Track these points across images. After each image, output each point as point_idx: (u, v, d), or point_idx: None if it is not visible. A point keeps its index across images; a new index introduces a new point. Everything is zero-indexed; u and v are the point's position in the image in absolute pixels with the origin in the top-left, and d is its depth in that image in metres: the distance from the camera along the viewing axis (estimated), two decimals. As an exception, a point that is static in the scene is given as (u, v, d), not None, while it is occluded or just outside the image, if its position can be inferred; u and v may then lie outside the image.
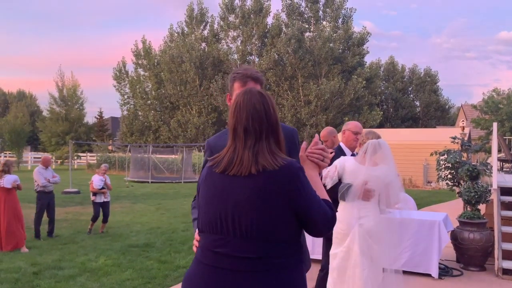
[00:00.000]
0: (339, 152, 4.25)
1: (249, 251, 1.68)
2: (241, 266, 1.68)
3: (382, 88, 40.24)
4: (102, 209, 8.79)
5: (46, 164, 8.65)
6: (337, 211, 3.39)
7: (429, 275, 5.57)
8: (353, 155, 4.15)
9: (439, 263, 5.70)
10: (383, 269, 3.76)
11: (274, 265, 1.68)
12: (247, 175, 1.70)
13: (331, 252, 3.90)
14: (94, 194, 8.84)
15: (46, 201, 8.38)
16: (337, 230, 3.82)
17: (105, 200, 8.87)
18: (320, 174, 1.98)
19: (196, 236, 1.92)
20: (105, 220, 8.85)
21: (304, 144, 1.93)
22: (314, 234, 1.77)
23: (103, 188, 8.84)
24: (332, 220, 1.77)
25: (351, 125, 4.34)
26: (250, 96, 1.79)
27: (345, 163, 3.91)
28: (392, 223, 3.82)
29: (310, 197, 1.72)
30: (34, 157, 34.44)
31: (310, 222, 1.72)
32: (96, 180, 8.83)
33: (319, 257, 4.38)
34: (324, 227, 1.74)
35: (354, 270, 3.69)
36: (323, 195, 1.83)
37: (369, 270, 3.66)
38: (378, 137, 3.96)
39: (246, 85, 2.20)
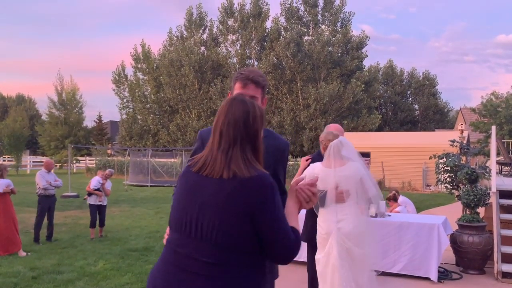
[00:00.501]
0: (318, 158, 4.13)
1: (208, 256, 1.68)
2: (198, 269, 1.68)
3: (381, 92, 40.28)
4: (98, 213, 8.74)
5: (48, 167, 8.64)
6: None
7: (428, 279, 5.57)
8: None
9: (439, 267, 5.70)
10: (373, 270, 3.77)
11: (231, 273, 1.67)
12: (218, 178, 1.72)
13: (316, 257, 3.92)
14: (89, 194, 8.80)
15: (47, 205, 8.36)
16: (319, 235, 3.85)
17: (101, 203, 8.78)
18: (299, 210, 1.96)
19: (168, 230, 1.95)
20: (101, 224, 8.80)
21: (301, 175, 1.94)
22: (272, 256, 1.72)
23: (98, 190, 8.78)
24: (293, 248, 1.70)
25: (331, 127, 4.20)
26: (233, 102, 1.82)
27: (314, 170, 3.84)
28: (372, 224, 3.81)
29: (275, 215, 1.69)
30: (33, 161, 34.39)
31: (269, 241, 1.69)
32: (94, 181, 8.81)
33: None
34: (282, 251, 1.70)
35: (334, 275, 3.70)
36: (294, 223, 1.80)
37: (350, 274, 3.65)
38: (337, 136, 3.92)
39: (246, 87, 2.22)
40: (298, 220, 1.85)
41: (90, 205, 8.75)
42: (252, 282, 1.71)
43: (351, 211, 3.69)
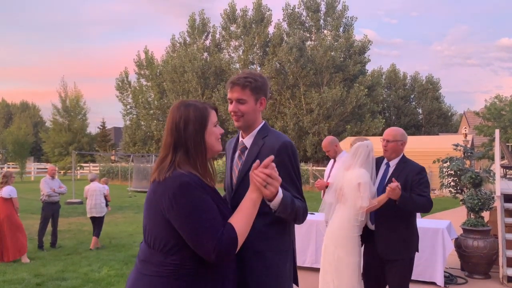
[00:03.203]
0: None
1: (141, 253, 1.83)
2: (137, 265, 1.83)
3: (384, 96, 40.23)
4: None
5: (51, 174, 8.66)
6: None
7: (433, 283, 5.54)
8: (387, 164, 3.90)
9: (444, 271, 5.67)
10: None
11: (151, 272, 1.75)
12: (151, 183, 1.84)
13: None
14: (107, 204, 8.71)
15: (50, 211, 8.38)
16: None
17: None
18: (271, 199, 1.82)
19: None
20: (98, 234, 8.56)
21: (256, 163, 1.81)
22: (201, 255, 1.71)
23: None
24: (210, 247, 1.65)
25: (387, 132, 4.05)
26: (171, 110, 1.90)
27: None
28: (357, 234, 3.74)
29: (182, 213, 1.67)
30: (37, 168, 34.50)
31: (185, 240, 1.70)
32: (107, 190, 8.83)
33: None
34: (199, 250, 1.67)
35: (324, 263, 3.88)
36: (236, 220, 1.73)
37: (328, 270, 3.78)
38: (360, 140, 3.95)
39: (232, 90, 2.19)
40: (246, 217, 1.76)
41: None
42: (169, 283, 1.72)
43: (343, 214, 3.74)
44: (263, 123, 2.25)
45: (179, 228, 1.69)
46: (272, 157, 1.81)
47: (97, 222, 8.49)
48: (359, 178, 3.65)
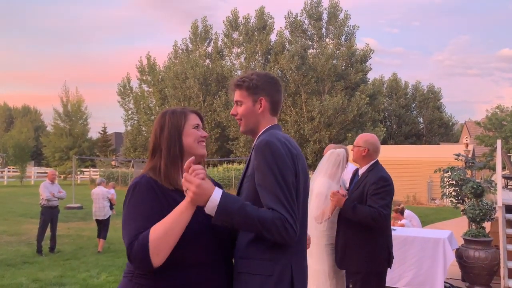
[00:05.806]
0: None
1: None
2: None
3: (385, 105, 40.26)
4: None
5: (51, 178, 8.66)
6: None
7: (434, 294, 5.49)
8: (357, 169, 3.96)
9: (444, 282, 5.63)
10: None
11: (124, 272, 1.84)
12: None
13: None
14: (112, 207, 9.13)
15: (49, 216, 8.36)
16: None
17: None
18: (202, 205, 1.65)
19: None
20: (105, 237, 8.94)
21: (186, 164, 1.70)
22: None
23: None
24: (128, 250, 1.66)
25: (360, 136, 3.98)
26: (156, 118, 1.97)
27: None
28: (324, 242, 3.70)
29: (123, 214, 1.77)
30: (38, 172, 34.47)
31: None
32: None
33: None
34: (127, 250, 1.68)
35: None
36: (156, 226, 1.64)
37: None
38: (336, 148, 3.94)
39: (233, 93, 2.13)
40: (166, 224, 1.63)
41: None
42: (126, 283, 1.78)
43: (311, 221, 3.68)
44: (269, 126, 2.04)
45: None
46: (192, 158, 1.70)
47: (102, 225, 8.77)
48: (317, 188, 3.71)
